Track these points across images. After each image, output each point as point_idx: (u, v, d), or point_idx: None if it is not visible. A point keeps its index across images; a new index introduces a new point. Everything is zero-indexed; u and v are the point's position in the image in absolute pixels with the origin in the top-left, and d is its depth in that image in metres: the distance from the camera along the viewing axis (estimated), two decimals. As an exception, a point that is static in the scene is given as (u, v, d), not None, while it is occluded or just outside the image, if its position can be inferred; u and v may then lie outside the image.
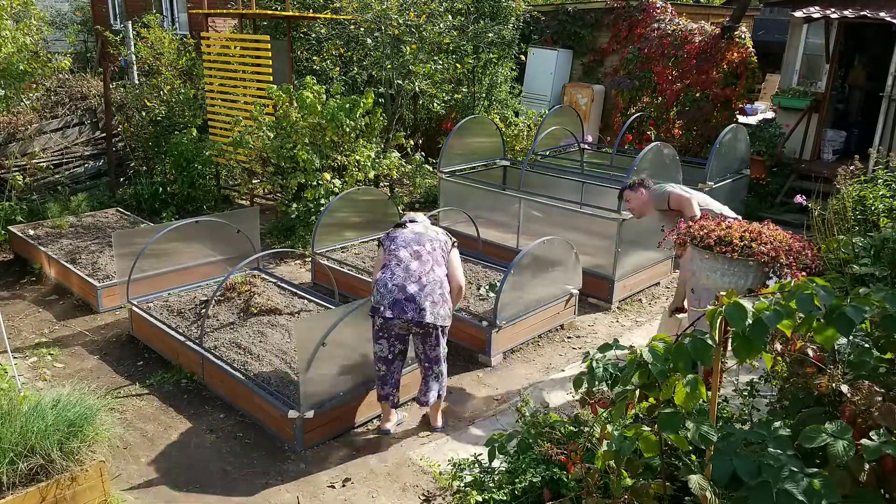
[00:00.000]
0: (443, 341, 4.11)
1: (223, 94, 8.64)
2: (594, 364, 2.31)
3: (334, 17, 9.87)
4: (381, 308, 3.89)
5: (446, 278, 4.09)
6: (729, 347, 1.99)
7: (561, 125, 8.68)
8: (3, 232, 6.95)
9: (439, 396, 4.22)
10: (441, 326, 3.99)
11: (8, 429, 3.02)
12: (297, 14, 9.44)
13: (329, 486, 3.71)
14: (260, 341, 4.83)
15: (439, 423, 4.28)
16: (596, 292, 6.20)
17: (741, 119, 10.16)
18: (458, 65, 9.98)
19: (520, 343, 5.30)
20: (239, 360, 4.56)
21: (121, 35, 10.72)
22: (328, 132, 7.37)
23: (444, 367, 4.18)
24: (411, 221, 4.27)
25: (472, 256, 6.45)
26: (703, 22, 10.84)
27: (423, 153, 8.82)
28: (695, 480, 2.02)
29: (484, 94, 10.96)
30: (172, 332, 4.93)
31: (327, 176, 7.34)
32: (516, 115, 10.83)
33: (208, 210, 8.23)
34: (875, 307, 1.94)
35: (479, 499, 3.03)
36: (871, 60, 10.13)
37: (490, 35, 10.42)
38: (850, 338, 2.23)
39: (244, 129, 7.59)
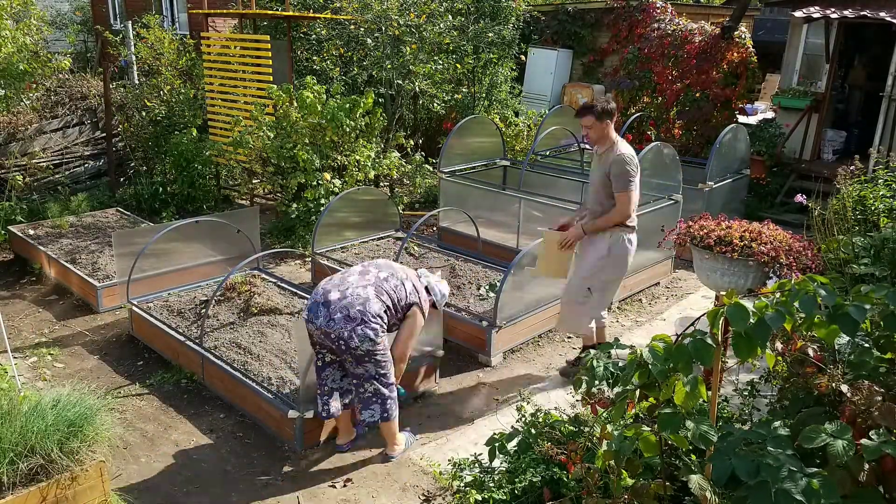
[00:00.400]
0: (370, 363, 3.65)
1: (223, 94, 8.64)
2: (594, 363, 2.31)
3: (334, 17, 9.87)
4: (304, 309, 3.75)
5: (376, 301, 3.66)
6: (729, 347, 1.99)
7: (561, 125, 8.68)
8: (3, 232, 6.95)
9: (384, 419, 3.75)
10: (353, 348, 3.58)
11: (8, 429, 3.02)
12: (297, 14, 9.44)
13: (329, 486, 3.71)
14: (260, 341, 4.83)
15: (393, 450, 3.90)
16: (596, 292, 6.19)
17: (741, 119, 10.16)
18: (458, 65, 9.98)
19: (520, 343, 5.30)
20: (239, 360, 4.56)
21: (121, 35, 10.73)
22: (328, 132, 7.37)
23: (378, 388, 3.70)
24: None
25: (473, 256, 6.46)
26: (703, 22, 10.84)
27: (423, 153, 8.82)
28: (695, 480, 2.02)
29: (484, 94, 10.96)
30: (172, 332, 4.93)
31: (327, 176, 7.34)
32: (516, 115, 10.84)
33: (208, 210, 8.23)
34: (876, 305, 1.94)
35: (479, 498, 3.04)
36: (871, 60, 10.13)
37: (490, 35, 10.42)
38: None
39: (244, 129, 7.59)
